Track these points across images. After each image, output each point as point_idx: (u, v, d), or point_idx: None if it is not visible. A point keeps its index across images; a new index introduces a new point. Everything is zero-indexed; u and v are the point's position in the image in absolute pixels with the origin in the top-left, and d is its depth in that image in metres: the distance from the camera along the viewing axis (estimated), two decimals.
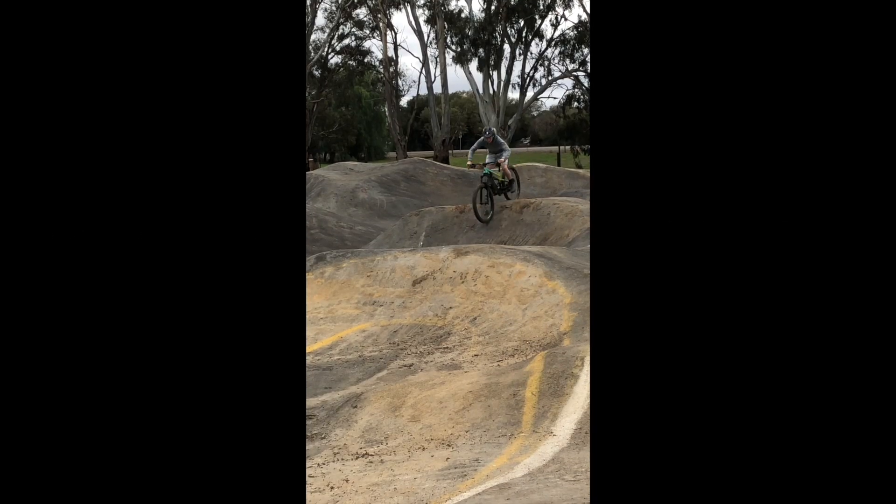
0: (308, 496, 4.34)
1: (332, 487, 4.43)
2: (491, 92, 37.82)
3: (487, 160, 13.65)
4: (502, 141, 14.10)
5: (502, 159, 13.54)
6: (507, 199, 13.95)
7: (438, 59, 37.82)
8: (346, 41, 40.08)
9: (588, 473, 3.15)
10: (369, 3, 38.74)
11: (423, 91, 39.74)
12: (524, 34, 37.86)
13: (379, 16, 38.78)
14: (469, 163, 14.11)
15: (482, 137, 13.96)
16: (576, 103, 39.36)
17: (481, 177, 13.52)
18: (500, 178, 13.64)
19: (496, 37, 37.49)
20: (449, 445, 4.98)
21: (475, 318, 7.76)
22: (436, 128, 38.08)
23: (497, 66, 37.85)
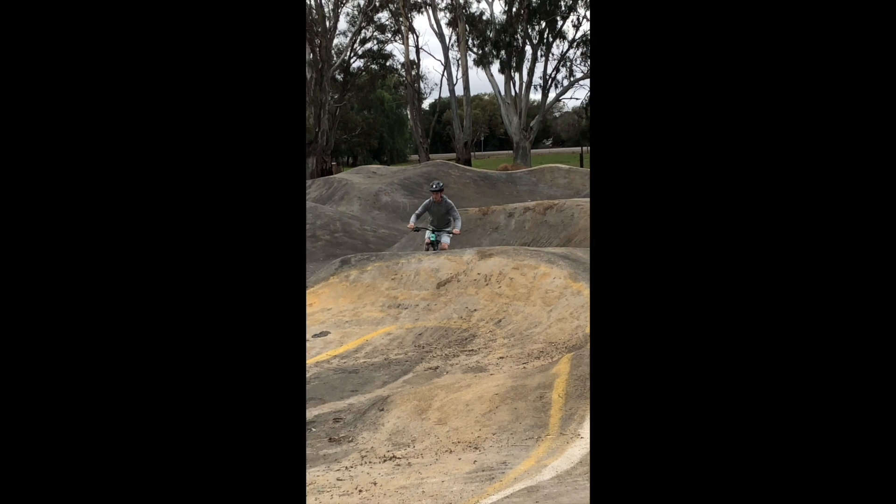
0: (336, 499, 4.35)
1: (360, 490, 4.44)
2: (513, 94, 37.82)
3: (432, 225, 11.31)
4: (452, 204, 11.37)
5: (452, 233, 11.06)
6: None
7: (460, 62, 37.89)
8: (369, 45, 40.26)
9: None
10: (391, 6, 38.85)
11: (445, 94, 39.83)
12: (546, 36, 37.84)
13: (401, 19, 38.88)
14: (411, 225, 11.55)
15: (428, 200, 11.33)
16: None
17: (426, 239, 11.29)
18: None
19: (518, 38, 37.47)
20: (476, 448, 4.98)
21: (500, 321, 7.75)
22: (458, 130, 38.11)
23: (519, 68, 37.84)
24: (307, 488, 4.50)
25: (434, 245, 11.05)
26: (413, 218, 11.48)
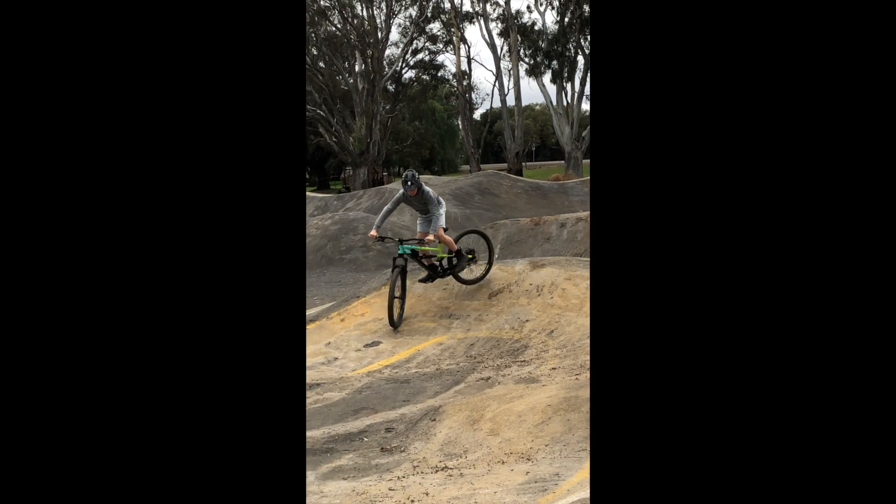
0: None
1: (412, 501, 4.44)
2: (565, 103, 37.71)
3: (419, 226, 9.06)
4: (431, 192, 8.79)
5: (434, 232, 8.61)
6: (463, 279, 8.94)
7: (511, 72, 37.90)
8: (420, 56, 40.46)
9: None
10: (443, 17, 39.01)
11: (497, 104, 39.88)
12: None
13: (452, 30, 39.02)
14: (373, 233, 8.73)
15: (401, 191, 8.67)
16: None
17: (395, 258, 8.65)
18: (442, 254, 8.93)
19: (569, 48, 37.36)
20: (528, 459, 4.95)
21: (552, 331, 7.71)
22: (509, 140, 38.09)
23: (571, 78, 37.73)
24: (359, 498, 4.52)
25: (414, 255, 8.69)
26: (379, 220, 8.79)
